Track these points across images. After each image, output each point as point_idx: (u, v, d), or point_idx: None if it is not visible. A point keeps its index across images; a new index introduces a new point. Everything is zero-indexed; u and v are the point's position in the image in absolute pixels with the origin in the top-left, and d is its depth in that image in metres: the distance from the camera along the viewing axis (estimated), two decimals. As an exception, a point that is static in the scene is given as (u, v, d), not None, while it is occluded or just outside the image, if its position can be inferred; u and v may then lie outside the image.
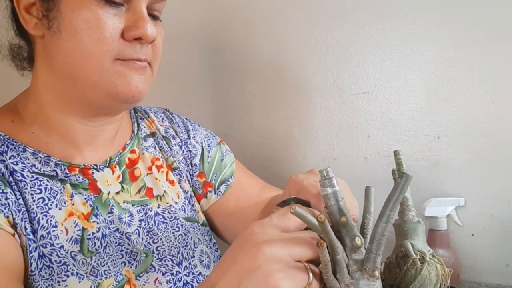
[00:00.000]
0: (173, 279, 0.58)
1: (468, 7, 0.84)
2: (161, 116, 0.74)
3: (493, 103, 0.84)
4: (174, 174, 0.69)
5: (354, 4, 0.90)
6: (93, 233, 0.55)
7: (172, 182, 0.68)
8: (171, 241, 0.61)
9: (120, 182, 0.61)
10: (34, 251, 0.50)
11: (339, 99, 0.93)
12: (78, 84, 0.54)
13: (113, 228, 0.57)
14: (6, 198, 0.49)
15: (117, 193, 0.60)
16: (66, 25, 0.51)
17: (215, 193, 0.73)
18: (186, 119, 0.77)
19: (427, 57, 0.87)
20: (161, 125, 0.72)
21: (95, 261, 0.53)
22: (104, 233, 0.56)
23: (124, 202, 0.60)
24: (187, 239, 0.63)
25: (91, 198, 0.57)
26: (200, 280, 0.59)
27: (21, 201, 0.51)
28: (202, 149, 0.73)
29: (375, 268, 0.39)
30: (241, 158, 0.99)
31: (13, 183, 0.52)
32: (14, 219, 0.49)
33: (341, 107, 0.93)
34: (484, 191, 0.85)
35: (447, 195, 0.86)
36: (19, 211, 0.50)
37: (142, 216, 0.61)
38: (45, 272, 0.50)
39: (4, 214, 0.48)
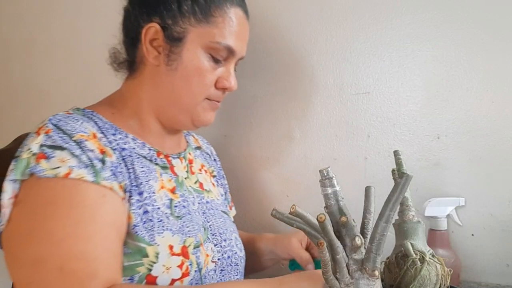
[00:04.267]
0: (220, 250, 0.73)
1: (468, 7, 0.84)
2: (200, 137, 0.93)
3: (493, 103, 0.84)
4: (214, 180, 0.87)
5: (354, 4, 0.90)
6: (179, 201, 0.70)
7: (213, 185, 0.85)
8: (218, 223, 0.76)
9: (186, 171, 0.77)
10: (140, 209, 0.63)
11: (339, 99, 0.93)
12: (175, 108, 0.72)
13: (190, 201, 0.73)
14: (121, 168, 0.63)
15: (185, 178, 0.76)
16: (183, 67, 0.69)
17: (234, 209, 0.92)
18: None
19: (427, 57, 0.87)
20: (202, 143, 0.92)
21: (180, 223, 0.67)
22: (184, 205, 0.71)
23: (189, 186, 0.76)
24: (227, 225, 0.78)
25: (173, 178, 0.72)
26: (237, 257, 0.75)
27: (131, 170, 0.65)
28: (223, 174, 0.93)
29: (375, 268, 0.39)
30: (241, 158, 0.99)
31: (124, 157, 0.66)
32: (125, 184, 0.63)
33: (341, 107, 0.93)
34: (484, 191, 0.85)
35: (447, 195, 0.86)
36: (129, 177, 0.64)
37: (199, 200, 0.76)
38: (148, 224, 0.63)
39: (118, 180, 0.61)
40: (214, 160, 0.91)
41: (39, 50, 1.20)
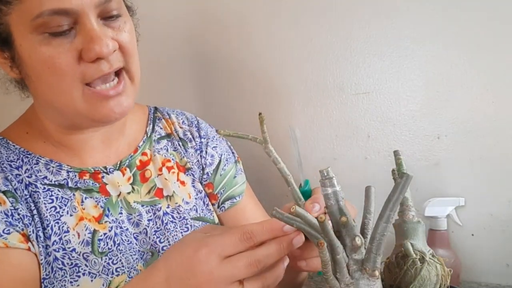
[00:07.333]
0: None
1: (468, 7, 0.84)
2: (181, 119, 0.75)
3: (493, 103, 0.84)
4: (187, 175, 0.71)
5: (354, 3, 0.90)
6: (105, 234, 0.59)
7: (183, 183, 0.70)
8: (179, 239, 0.63)
9: (131, 184, 0.64)
10: (49, 256, 0.55)
11: (339, 99, 0.93)
12: (63, 115, 0.58)
13: (124, 227, 0.61)
14: (18, 214, 0.54)
15: (128, 193, 0.63)
16: (31, 69, 0.54)
17: (218, 207, 0.74)
18: (213, 128, 0.78)
19: (427, 57, 0.87)
20: (180, 127, 0.74)
21: (105, 261, 0.57)
22: (116, 232, 0.60)
23: (134, 202, 0.63)
24: None
25: (102, 200, 0.61)
26: None
27: (35, 211, 0.56)
28: (220, 161, 0.75)
29: (375, 268, 0.39)
30: (241, 158, 0.98)
31: (28, 196, 0.56)
32: (28, 231, 0.54)
33: (341, 107, 0.93)
34: (484, 191, 0.85)
35: (447, 195, 0.86)
36: (33, 221, 0.55)
37: (150, 216, 0.64)
38: (59, 274, 0.54)
39: (17, 230, 0.53)
40: (194, 146, 0.73)
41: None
